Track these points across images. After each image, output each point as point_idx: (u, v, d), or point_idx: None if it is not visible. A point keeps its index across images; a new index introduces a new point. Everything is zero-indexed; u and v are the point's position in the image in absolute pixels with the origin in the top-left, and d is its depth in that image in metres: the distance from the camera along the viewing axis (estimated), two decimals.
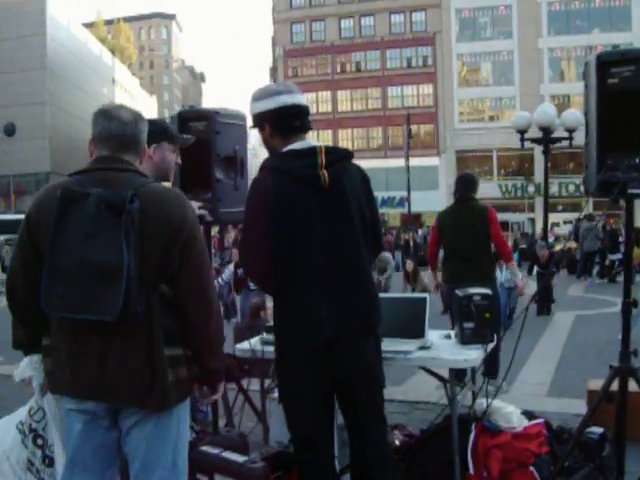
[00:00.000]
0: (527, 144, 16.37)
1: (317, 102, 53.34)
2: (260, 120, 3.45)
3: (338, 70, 54.08)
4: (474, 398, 4.61)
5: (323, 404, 3.44)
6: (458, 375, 6.69)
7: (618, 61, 3.70)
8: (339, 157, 3.41)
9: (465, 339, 4.21)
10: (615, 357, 4.47)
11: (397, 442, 4.71)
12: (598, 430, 4.56)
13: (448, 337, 4.52)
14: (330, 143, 52.17)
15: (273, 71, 58.59)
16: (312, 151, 3.33)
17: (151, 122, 3.06)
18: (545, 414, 5.82)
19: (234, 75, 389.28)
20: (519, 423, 4.41)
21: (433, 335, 4.55)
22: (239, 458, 3.76)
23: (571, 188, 45.27)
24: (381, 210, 47.62)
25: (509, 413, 4.40)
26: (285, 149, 3.37)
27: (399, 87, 52.39)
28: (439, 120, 50.53)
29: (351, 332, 3.30)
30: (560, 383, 8.46)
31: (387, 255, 18.01)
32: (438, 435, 4.48)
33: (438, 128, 50.58)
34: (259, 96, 3.43)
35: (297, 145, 3.37)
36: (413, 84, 51.81)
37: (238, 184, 4.54)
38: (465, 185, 6.78)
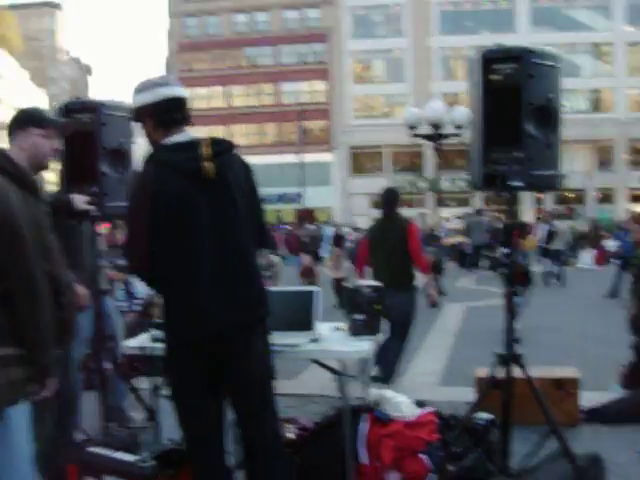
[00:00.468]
0: (418, 140, 16.71)
1: (209, 97, 52.82)
2: (141, 113, 3.41)
3: (232, 65, 53.67)
4: (365, 389, 4.67)
5: (213, 400, 3.41)
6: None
7: (501, 58, 3.83)
8: (224, 149, 3.38)
9: (356, 331, 4.26)
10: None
11: (291, 435, 4.72)
12: (485, 416, 4.70)
13: (338, 329, 4.56)
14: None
15: (168, 65, 57.59)
16: (194, 143, 3.30)
17: (18, 110, 2.99)
18: (436, 403, 5.98)
19: (129, 69, 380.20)
20: (410, 412, 4.50)
21: (324, 328, 4.58)
22: (129, 458, 3.68)
23: (461, 184, 46.50)
24: (275, 206, 47.67)
25: (400, 403, 4.50)
26: (167, 141, 3.33)
27: (293, 83, 52.46)
28: (332, 116, 50.95)
29: (240, 325, 3.28)
30: (451, 372, 8.69)
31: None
32: (331, 427, 4.53)
33: (331, 124, 50.99)
34: (139, 89, 3.39)
35: (179, 137, 3.34)
36: (307, 80, 52.04)
37: (124, 178, 4.46)
38: (388, 203, 7.17)
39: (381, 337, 4.34)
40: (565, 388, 5.54)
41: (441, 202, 44.05)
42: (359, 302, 4.22)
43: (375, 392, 4.43)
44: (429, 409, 4.68)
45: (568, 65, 47.45)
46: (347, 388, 4.17)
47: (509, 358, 4.10)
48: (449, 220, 42.79)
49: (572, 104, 47.18)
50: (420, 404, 4.74)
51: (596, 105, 48.79)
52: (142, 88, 3.38)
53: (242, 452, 3.60)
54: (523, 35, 46.33)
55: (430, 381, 8.59)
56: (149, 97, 3.33)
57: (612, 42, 47.61)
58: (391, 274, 6.65)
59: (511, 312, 4.09)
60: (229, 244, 3.29)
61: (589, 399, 6.00)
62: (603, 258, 27.11)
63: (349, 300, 4.31)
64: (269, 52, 53.35)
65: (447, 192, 44.70)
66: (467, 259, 24.02)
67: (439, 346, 10.87)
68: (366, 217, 38.52)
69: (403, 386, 7.69)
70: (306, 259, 15.75)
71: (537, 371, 5.36)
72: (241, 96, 54.02)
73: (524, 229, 21.96)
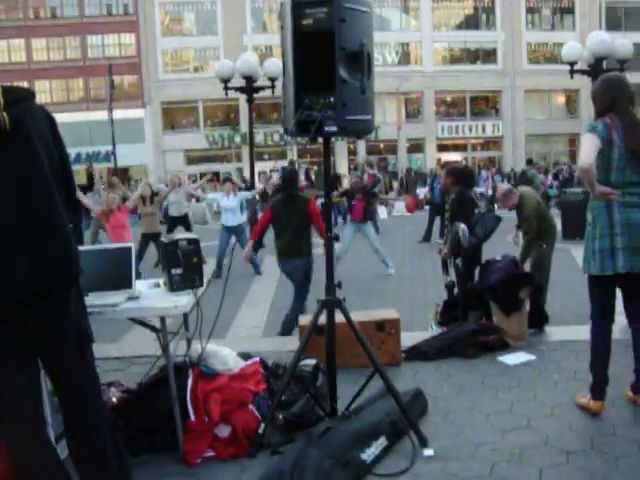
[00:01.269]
0: (232, 94, 16.49)
1: (9, 50, 49.50)
2: None
3: (31, 16, 50.38)
4: (188, 345, 4.57)
5: (27, 368, 3.17)
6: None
7: (312, 3, 3.76)
8: (19, 97, 3.08)
9: (174, 285, 4.14)
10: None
11: (114, 399, 4.55)
12: (311, 362, 4.75)
13: (157, 285, 4.42)
14: None
15: None
16: None
17: None
18: (261, 353, 6.01)
19: None
20: (235, 365, 4.46)
21: (143, 285, 4.43)
22: None
23: (276, 137, 46.72)
24: (87, 166, 45.83)
25: (225, 356, 4.43)
26: None
27: (99, 36, 50.11)
28: (143, 71, 49.32)
29: (50, 284, 3.05)
30: (274, 324, 8.75)
31: None
32: (155, 386, 4.40)
33: (142, 79, 49.38)
34: None
35: None
36: (114, 33, 49.83)
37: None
38: (289, 183, 8.05)
39: (201, 290, 4.21)
40: (386, 329, 5.69)
41: (257, 156, 44.38)
42: (176, 256, 4.09)
43: (199, 347, 4.32)
44: (254, 360, 4.67)
45: (378, 19, 48.83)
46: (168, 345, 4.06)
47: (331, 303, 4.13)
48: (265, 174, 43.17)
49: (382, 57, 48.60)
50: (245, 356, 4.71)
51: (405, 58, 50.39)
52: None
53: (63, 422, 3.39)
54: None
55: (254, 334, 8.65)
56: None
57: None
58: (296, 244, 7.67)
59: (330, 258, 4.11)
60: (30, 201, 3.02)
61: (410, 338, 6.23)
62: (415, 205, 28.34)
63: (165, 255, 4.17)
64: (72, 2, 50.52)
65: (262, 146, 44.95)
66: None
67: (261, 299, 10.96)
68: (181, 173, 37.88)
69: (228, 341, 7.69)
70: None
71: (358, 315, 5.51)
72: (43, 49, 50.94)
73: (338, 180, 22.52)
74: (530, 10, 49.32)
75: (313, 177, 25.34)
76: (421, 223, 18.24)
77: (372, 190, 14.12)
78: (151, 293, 4.25)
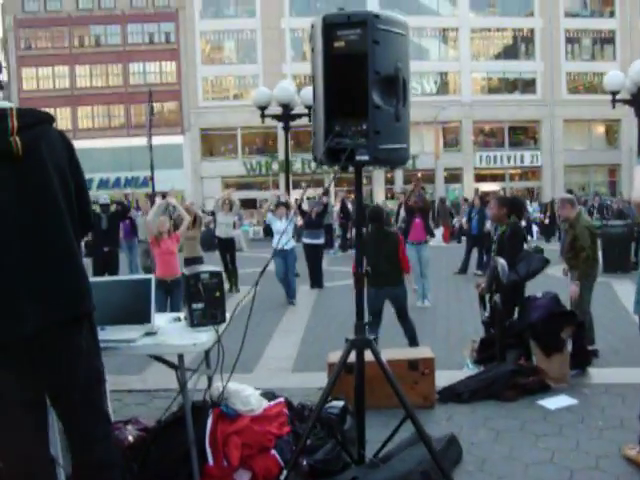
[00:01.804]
0: (270, 122, 16.42)
1: (54, 77, 50.42)
2: None
3: (76, 44, 51.29)
4: (210, 382, 4.33)
5: (35, 408, 2.97)
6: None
7: (344, 24, 3.54)
8: (36, 121, 2.91)
9: (195, 321, 3.92)
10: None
11: (130, 438, 4.33)
12: (339, 404, 4.51)
13: (178, 320, 4.20)
14: (69, 120, 49.76)
15: (3, 43, 54.22)
16: (2, 114, 2.81)
17: None
18: (288, 390, 5.75)
19: None
20: (258, 405, 4.21)
21: (162, 319, 4.21)
22: None
23: (314, 165, 46.59)
24: (125, 190, 46.19)
25: (247, 396, 4.19)
26: None
27: (141, 63, 50.81)
28: (183, 98, 49.79)
29: (60, 321, 2.85)
30: (305, 356, 8.53)
31: None
32: (173, 426, 4.18)
33: (182, 106, 49.85)
34: None
35: None
36: (156, 61, 50.47)
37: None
38: (379, 220, 8.44)
39: (224, 327, 3.98)
40: (420, 369, 5.41)
41: (295, 184, 44.32)
42: (197, 290, 3.87)
43: (220, 386, 4.08)
44: (278, 400, 4.41)
45: (417, 48, 48.80)
46: (188, 383, 3.83)
47: (359, 343, 3.87)
48: (304, 202, 43.07)
49: (420, 86, 48.50)
50: (269, 395, 4.46)
51: (443, 88, 50.23)
52: None
53: (72, 464, 3.18)
54: None
55: (284, 366, 8.39)
56: None
57: (458, 27, 49.11)
58: (389, 274, 8.01)
59: (361, 295, 3.85)
60: (41, 233, 2.84)
61: (444, 378, 5.94)
62: (451, 235, 27.95)
63: (186, 288, 3.95)
64: (116, 31, 51.36)
65: (299, 174, 44.96)
66: None
67: (293, 330, 10.71)
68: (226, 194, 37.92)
69: (255, 375, 7.46)
70: None
71: (390, 353, 5.24)
72: (86, 76, 51.75)
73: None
74: (570, 40, 48.97)
75: (350, 207, 25.04)
76: (457, 254, 17.87)
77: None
78: (170, 328, 4.04)
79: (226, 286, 14.28)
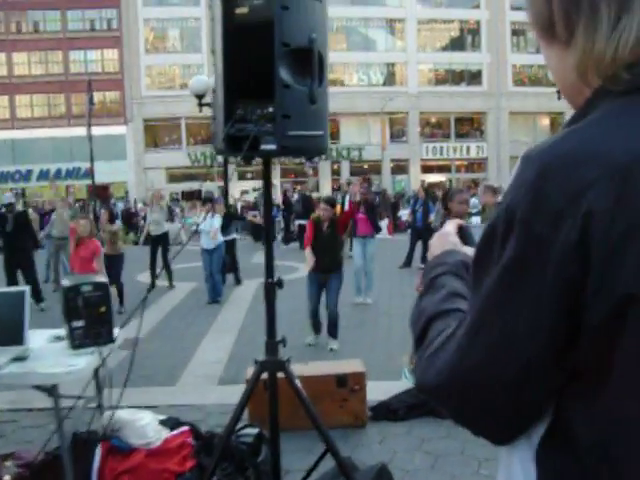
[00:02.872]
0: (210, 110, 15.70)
1: None
2: None
3: (13, 30, 49.56)
4: (100, 411, 3.71)
5: None
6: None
7: None
8: None
9: (76, 341, 3.29)
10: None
11: (7, 478, 3.69)
12: (252, 431, 3.90)
13: (59, 339, 3.56)
14: (7, 109, 48.11)
15: None
16: None
17: None
18: (208, 408, 5.21)
19: None
20: (157, 436, 3.62)
21: (41, 338, 3.57)
22: None
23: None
24: (66, 182, 44.87)
25: (143, 427, 3.60)
26: None
27: (82, 51, 49.34)
28: (126, 87, 48.49)
29: None
30: (237, 360, 7.99)
31: None
32: (56, 462, 3.55)
33: (125, 96, 48.56)
34: None
35: None
36: (97, 48, 49.07)
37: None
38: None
39: (110, 347, 3.36)
40: (349, 385, 4.84)
41: (240, 175, 43.50)
42: (76, 305, 3.24)
43: (112, 415, 3.47)
44: (182, 429, 3.81)
45: (363, 39, 48.37)
46: (63, 416, 3.21)
47: (271, 365, 3.29)
48: (248, 193, 42.38)
49: (367, 77, 48.14)
50: (171, 423, 3.85)
51: (390, 79, 49.90)
52: None
53: None
54: None
55: (212, 374, 7.77)
56: None
57: (404, 18, 48.76)
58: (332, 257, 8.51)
59: (272, 308, 3.27)
60: None
61: (380, 390, 5.39)
62: (395, 227, 27.57)
63: (64, 303, 3.31)
64: (55, 17, 49.78)
65: (243, 165, 44.15)
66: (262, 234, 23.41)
67: (228, 329, 10.12)
68: (162, 191, 36.94)
69: (179, 386, 6.89)
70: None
71: (316, 367, 4.69)
72: (25, 64, 50.08)
73: (308, 203, 21.65)
74: (515, 33, 49.09)
75: (293, 199, 24.43)
76: (402, 247, 17.40)
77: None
78: (47, 350, 3.40)
79: (166, 283, 13.90)
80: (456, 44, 49.51)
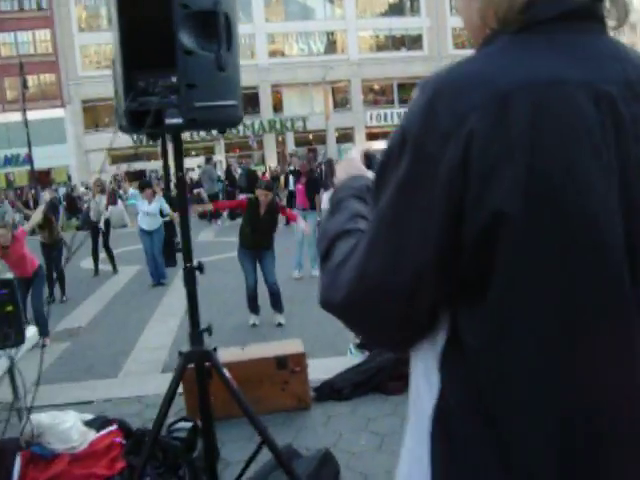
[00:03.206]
0: None
1: None
2: None
3: None
4: (20, 416, 3.45)
5: None
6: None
7: None
8: None
9: None
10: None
11: None
12: (187, 425, 3.67)
13: None
14: None
15: None
16: None
17: None
18: (148, 399, 4.99)
19: None
20: (81, 439, 3.38)
21: None
22: None
23: (202, 132, 45.37)
24: (6, 170, 43.77)
25: (66, 430, 3.34)
26: None
27: (12, 33, 47.83)
28: (61, 68, 47.21)
29: None
30: (181, 345, 7.69)
31: None
32: None
33: (60, 77, 47.29)
34: None
35: None
36: (28, 29, 47.60)
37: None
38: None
39: (24, 350, 3.09)
40: (289, 366, 4.61)
41: (185, 152, 42.98)
42: None
43: (34, 420, 3.21)
44: (110, 429, 3.56)
45: (302, 8, 47.80)
46: None
47: (196, 356, 3.06)
48: (193, 170, 41.76)
49: (307, 46, 47.68)
50: (99, 423, 3.61)
51: (330, 47, 49.52)
52: None
53: None
54: None
55: (156, 360, 7.51)
56: None
57: None
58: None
59: (194, 296, 3.03)
60: None
61: (325, 367, 5.19)
62: None
63: None
64: None
65: (188, 141, 43.54)
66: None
67: (173, 313, 9.84)
68: (105, 174, 36.15)
69: (121, 378, 6.65)
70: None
71: (253, 349, 4.48)
72: None
73: (256, 179, 21.33)
74: None
75: (236, 175, 23.93)
76: None
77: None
78: None
79: (109, 268, 13.59)
80: (395, 9, 49.32)
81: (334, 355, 5.99)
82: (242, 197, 21.39)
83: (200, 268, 3.00)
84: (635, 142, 1.01)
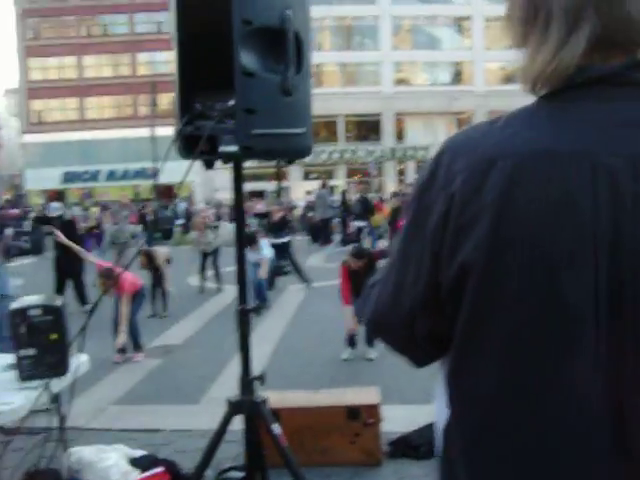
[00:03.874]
0: None
1: (61, 68, 49.93)
2: None
3: (84, 34, 50.57)
4: (64, 447, 3.26)
5: None
6: None
7: None
8: None
9: (24, 373, 2.85)
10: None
11: None
12: (237, 475, 3.40)
13: (14, 367, 3.13)
14: (77, 111, 49.06)
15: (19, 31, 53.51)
16: None
17: None
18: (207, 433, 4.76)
19: None
20: (124, 479, 3.14)
21: None
22: None
23: (324, 156, 45.68)
24: (134, 182, 45.44)
25: (108, 467, 3.13)
26: None
27: (149, 53, 50.00)
28: None
29: None
30: (270, 374, 7.47)
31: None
32: None
33: None
34: None
35: None
36: (164, 50, 49.57)
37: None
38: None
39: (66, 381, 2.91)
40: (362, 418, 4.24)
41: (305, 175, 43.29)
42: (26, 330, 2.79)
43: (75, 453, 3.02)
44: (156, 470, 3.33)
45: (430, 38, 47.58)
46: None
47: (245, 408, 2.78)
48: (311, 193, 42.05)
49: (433, 76, 47.36)
50: (147, 461, 3.38)
51: (456, 78, 49.01)
52: None
53: None
54: (383, 6, 45.74)
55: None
56: None
57: (471, 16, 47.80)
58: None
59: (246, 341, 2.76)
60: None
61: (400, 420, 4.79)
62: None
63: (12, 328, 2.86)
64: (123, 20, 50.67)
65: (311, 164, 43.94)
66: (320, 235, 22.97)
67: (268, 337, 9.63)
68: (229, 191, 36.60)
69: (203, 406, 6.48)
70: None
71: (324, 397, 4.17)
72: (94, 66, 51.08)
73: (367, 204, 21.09)
74: None
75: (351, 201, 23.81)
76: None
77: None
78: None
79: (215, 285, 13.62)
80: None
81: (424, 402, 5.58)
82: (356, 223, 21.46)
83: (257, 309, 2.73)
84: (633, 219, 0.99)
